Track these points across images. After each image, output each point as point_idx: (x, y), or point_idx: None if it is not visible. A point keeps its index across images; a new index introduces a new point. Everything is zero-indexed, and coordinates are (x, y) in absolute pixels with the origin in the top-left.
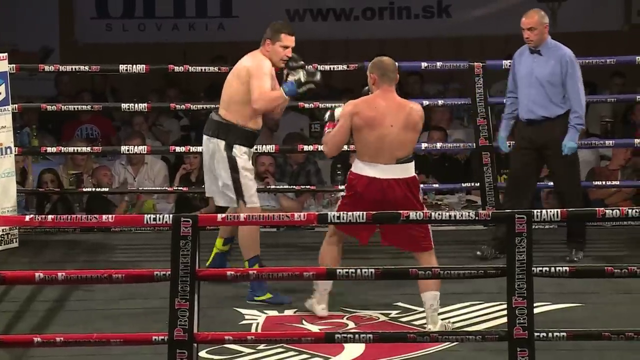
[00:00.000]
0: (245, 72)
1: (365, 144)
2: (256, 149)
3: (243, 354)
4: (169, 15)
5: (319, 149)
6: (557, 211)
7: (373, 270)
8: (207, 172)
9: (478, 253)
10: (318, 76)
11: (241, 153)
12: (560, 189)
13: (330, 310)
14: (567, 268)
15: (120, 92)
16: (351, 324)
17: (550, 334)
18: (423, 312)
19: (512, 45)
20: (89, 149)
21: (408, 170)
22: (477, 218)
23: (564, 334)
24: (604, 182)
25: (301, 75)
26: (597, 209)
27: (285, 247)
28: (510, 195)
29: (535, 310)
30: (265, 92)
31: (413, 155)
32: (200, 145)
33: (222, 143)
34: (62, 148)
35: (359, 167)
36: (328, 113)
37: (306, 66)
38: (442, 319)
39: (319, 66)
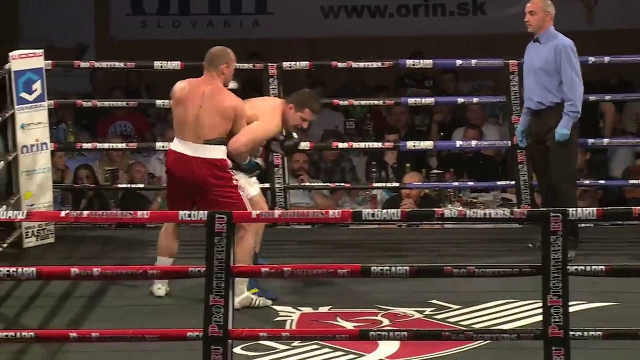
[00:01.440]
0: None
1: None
2: None
3: (278, 350)
4: (204, 12)
5: (354, 147)
6: (593, 210)
7: (408, 268)
8: None
9: (530, 245)
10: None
11: None
12: (552, 182)
13: (365, 307)
14: (603, 267)
15: (155, 89)
16: (386, 322)
17: (585, 333)
18: (458, 309)
19: None
20: (124, 145)
21: (217, 152)
22: (512, 216)
23: (600, 333)
24: None
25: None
26: (633, 208)
27: (320, 245)
28: (544, 192)
29: (571, 309)
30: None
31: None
32: None
33: None
34: (98, 144)
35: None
36: None
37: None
38: (477, 317)
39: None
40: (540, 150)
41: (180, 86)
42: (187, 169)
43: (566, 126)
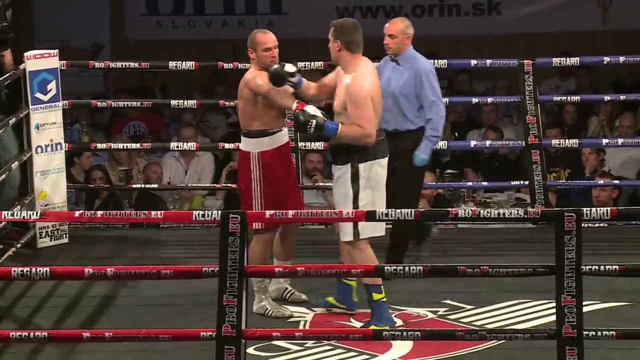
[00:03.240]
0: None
1: None
2: (304, 146)
3: (291, 351)
4: (219, 12)
5: None
6: (606, 209)
7: (421, 267)
8: None
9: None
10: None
11: None
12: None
13: None
14: (617, 267)
15: (169, 89)
16: (399, 322)
17: (599, 333)
18: (472, 309)
19: (562, 42)
20: (138, 145)
21: (244, 144)
22: (526, 216)
23: (613, 332)
24: None
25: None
26: None
27: (333, 244)
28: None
29: (584, 309)
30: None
31: (252, 131)
32: None
33: None
34: (112, 144)
35: None
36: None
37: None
38: (491, 317)
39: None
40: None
41: None
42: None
43: (426, 151)
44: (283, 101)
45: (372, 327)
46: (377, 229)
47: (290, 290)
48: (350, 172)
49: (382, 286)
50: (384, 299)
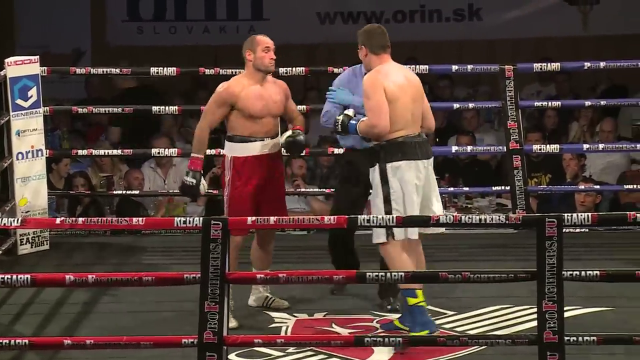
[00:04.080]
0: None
1: None
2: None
3: (272, 357)
4: (200, 18)
5: None
6: (587, 215)
7: (403, 273)
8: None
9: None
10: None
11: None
12: None
13: (360, 313)
14: (598, 272)
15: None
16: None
17: (580, 338)
18: (453, 315)
19: (543, 47)
20: (119, 151)
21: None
22: (507, 221)
23: (594, 338)
24: (635, 186)
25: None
26: (627, 212)
27: (315, 250)
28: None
29: (566, 314)
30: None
31: (228, 135)
32: None
33: None
34: (93, 151)
35: None
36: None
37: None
38: (472, 322)
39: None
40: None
41: None
42: None
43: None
44: (201, 122)
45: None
46: (411, 231)
47: (271, 298)
48: (378, 173)
49: (417, 290)
50: (420, 303)
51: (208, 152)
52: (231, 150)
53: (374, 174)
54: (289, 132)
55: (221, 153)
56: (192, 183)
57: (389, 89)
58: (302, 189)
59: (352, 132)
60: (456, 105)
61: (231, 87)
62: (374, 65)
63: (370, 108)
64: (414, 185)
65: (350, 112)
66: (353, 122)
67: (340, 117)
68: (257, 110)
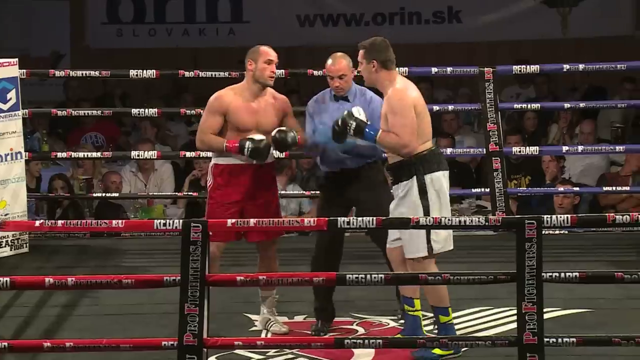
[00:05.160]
0: None
1: None
2: None
3: (252, 359)
4: (180, 20)
5: None
6: (567, 217)
7: (383, 275)
8: None
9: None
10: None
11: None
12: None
13: (340, 316)
14: (577, 274)
15: (130, 97)
16: (361, 330)
17: (560, 340)
18: (432, 317)
19: (523, 50)
20: (98, 154)
21: None
22: (487, 223)
23: (574, 339)
24: (614, 188)
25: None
26: (607, 214)
27: (295, 253)
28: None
29: (545, 316)
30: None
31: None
32: None
33: None
34: (72, 153)
35: None
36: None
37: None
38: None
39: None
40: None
41: None
42: None
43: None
44: (204, 125)
45: (437, 350)
46: (449, 242)
47: (272, 321)
48: (416, 186)
49: (449, 308)
50: (452, 321)
51: (188, 154)
52: (216, 156)
53: (410, 188)
54: (283, 128)
55: (201, 155)
56: (250, 146)
57: (419, 103)
58: (283, 192)
59: (369, 140)
60: (436, 108)
61: (222, 96)
62: (384, 80)
63: (402, 125)
64: (447, 195)
65: (359, 113)
66: (371, 132)
67: (353, 122)
68: (246, 124)
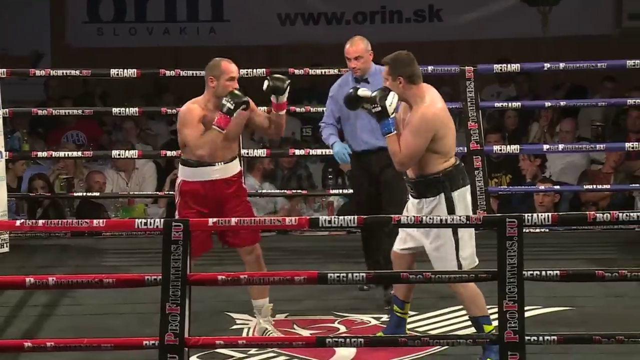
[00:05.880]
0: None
1: None
2: (247, 153)
3: (234, 358)
4: (160, 19)
5: (310, 153)
6: (547, 215)
7: (364, 274)
8: None
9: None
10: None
11: None
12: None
13: (322, 314)
14: (558, 272)
15: (112, 96)
16: (342, 328)
17: (541, 338)
18: (415, 315)
19: (504, 48)
20: (79, 153)
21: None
22: (468, 222)
23: (555, 337)
24: (595, 186)
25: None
26: (587, 212)
27: (276, 251)
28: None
29: (526, 314)
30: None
31: (181, 159)
32: None
33: None
34: (53, 153)
35: None
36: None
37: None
38: (434, 322)
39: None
40: (373, 189)
41: None
42: None
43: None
44: (190, 136)
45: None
46: (474, 258)
47: (269, 331)
48: (444, 203)
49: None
50: (493, 330)
51: (169, 153)
52: (181, 173)
53: (437, 204)
54: (274, 75)
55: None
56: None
57: (443, 123)
58: (264, 191)
59: (381, 130)
60: None
61: (193, 109)
62: (411, 95)
63: (410, 146)
64: (470, 208)
65: (392, 98)
66: (387, 127)
67: (380, 107)
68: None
